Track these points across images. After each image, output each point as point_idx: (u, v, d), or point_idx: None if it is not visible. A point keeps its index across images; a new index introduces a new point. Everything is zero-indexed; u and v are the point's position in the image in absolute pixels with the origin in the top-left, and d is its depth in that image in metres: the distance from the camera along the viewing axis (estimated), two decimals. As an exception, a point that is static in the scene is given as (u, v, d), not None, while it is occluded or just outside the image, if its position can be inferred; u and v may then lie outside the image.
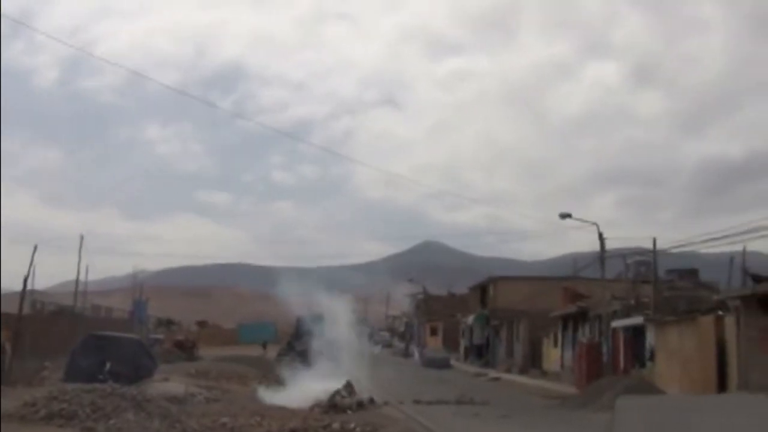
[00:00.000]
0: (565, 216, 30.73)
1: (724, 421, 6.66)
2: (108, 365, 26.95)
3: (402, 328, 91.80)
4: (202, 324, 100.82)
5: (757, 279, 22.62)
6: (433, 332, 74.50)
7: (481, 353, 55.43)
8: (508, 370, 46.02)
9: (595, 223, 30.70)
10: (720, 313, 24.30)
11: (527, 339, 45.93)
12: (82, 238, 52.53)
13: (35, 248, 39.70)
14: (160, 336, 59.69)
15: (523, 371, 44.27)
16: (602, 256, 30.27)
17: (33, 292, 78.90)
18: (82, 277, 57.56)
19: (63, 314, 62.58)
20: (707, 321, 24.44)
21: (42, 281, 77.57)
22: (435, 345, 67.93)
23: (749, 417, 6.89)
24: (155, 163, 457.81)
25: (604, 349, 30.79)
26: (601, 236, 30.13)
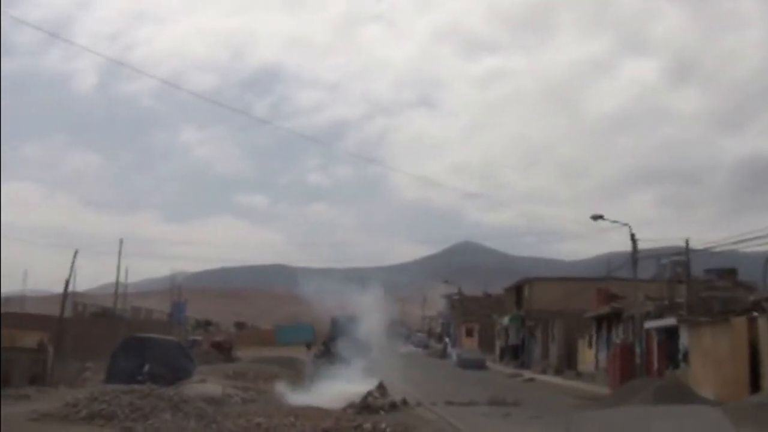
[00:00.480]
0: (597, 217, 30.71)
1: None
2: (147, 367, 27.63)
3: (438, 329, 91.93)
4: (240, 325, 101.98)
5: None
6: (469, 333, 74.51)
7: (516, 354, 55.39)
8: (544, 371, 45.96)
9: (627, 224, 30.65)
10: (755, 314, 24.20)
11: (562, 340, 45.86)
12: (121, 241, 53.46)
13: (76, 252, 40.58)
14: (198, 337, 60.60)
15: (558, 372, 44.20)
16: (634, 256, 30.21)
17: (74, 294, 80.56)
18: (121, 279, 58.61)
19: (104, 316, 64.00)
20: (740, 322, 24.32)
21: (83, 283, 79.00)
22: (471, 346, 68.00)
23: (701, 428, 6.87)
24: (192, 166, 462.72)
25: (638, 351, 30.73)
26: (633, 237, 30.06)
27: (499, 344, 63.60)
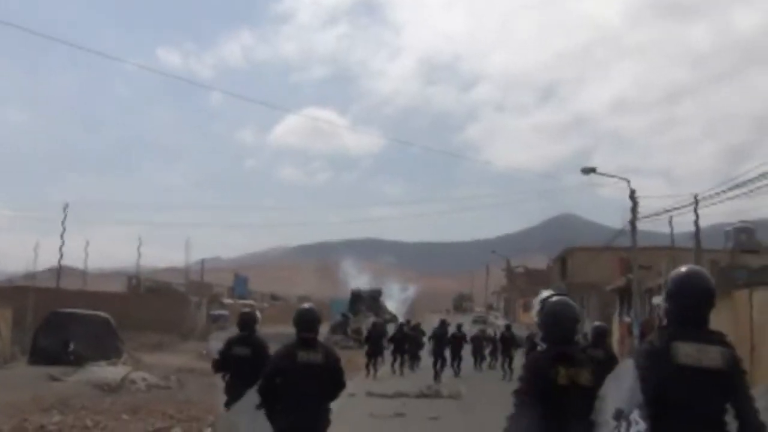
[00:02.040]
0: (589, 170, 25.85)
1: None
2: (72, 345, 24.97)
3: (502, 304, 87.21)
4: (303, 299, 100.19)
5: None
6: (526, 308, 69.67)
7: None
8: (579, 351, 41.16)
9: (626, 179, 25.66)
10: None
11: (597, 315, 40.85)
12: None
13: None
14: (225, 311, 58.11)
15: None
16: (634, 217, 25.22)
17: (168, 269, 80.00)
18: (218, 254, 57.20)
19: (157, 291, 62.96)
20: (742, 296, 19.40)
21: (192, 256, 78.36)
22: (526, 321, 63.31)
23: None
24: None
25: (635, 329, 25.89)
26: (632, 193, 25.04)
27: (546, 321, 58.48)
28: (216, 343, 9.58)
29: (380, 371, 26.94)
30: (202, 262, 73.00)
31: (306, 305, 7.62)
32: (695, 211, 23.69)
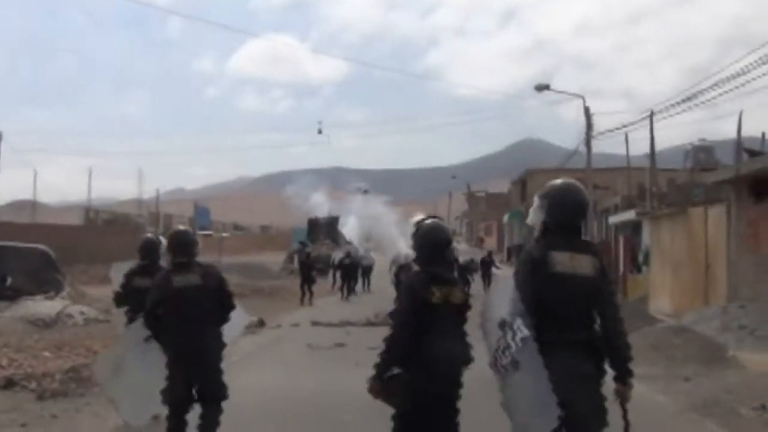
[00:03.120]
0: (542, 87, 24.90)
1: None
2: (9, 280, 23.77)
3: (464, 230, 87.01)
4: (265, 228, 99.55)
5: (754, 154, 16.83)
6: (488, 232, 69.55)
7: (519, 254, 50.05)
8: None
9: (581, 96, 24.73)
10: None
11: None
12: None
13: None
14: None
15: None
16: (588, 135, 24.38)
17: (141, 201, 78.75)
18: (181, 185, 55.81)
19: (115, 223, 61.46)
20: (697, 214, 18.81)
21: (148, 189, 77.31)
22: (487, 246, 63.19)
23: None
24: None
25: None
26: (587, 111, 24.18)
27: (506, 243, 58.44)
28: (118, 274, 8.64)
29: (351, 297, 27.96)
30: (157, 191, 71.41)
31: (180, 227, 7.28)
32: (650, 127, 22.94)
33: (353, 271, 29.18)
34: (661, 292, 20.79)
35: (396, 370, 4.67)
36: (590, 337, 4.24)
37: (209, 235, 64.21)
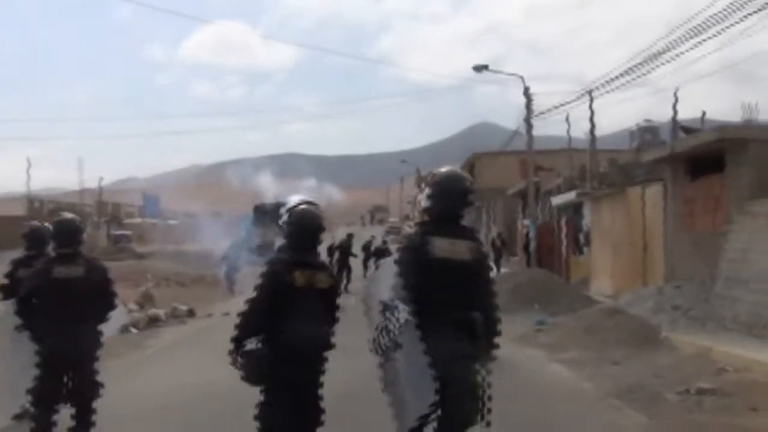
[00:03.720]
0: (480, 68, 24.47)
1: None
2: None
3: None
4: (217, 215, 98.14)
5: (690, 132, 16.60)
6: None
7: (469, 239, 49.70)
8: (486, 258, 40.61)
9: (519, 76, 24.34)
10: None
11: (503, 221, 40.34)
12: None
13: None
14: (127, 232, 55.84)
15: (498, 258, 38.79)
16: (528, 116, 24.02)
17: (83, 191, 76.72)
18: (136, 174, 54.51)
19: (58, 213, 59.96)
20: (635, 193, 18.59)
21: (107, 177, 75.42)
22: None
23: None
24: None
25: (531, 233, 25.11)
26: (527, 91, 23.80)
27: (456, 229, 57.97)
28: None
29: None
30: (100, 180, 69.62)
31: (66, 215, 6.59)
32: (590, 105, 22.66)
33: None
34: (601, 274, 20.59)
35: (252, 346, 4.64)
36: (468, 318, 4.43)
37: (154, 224, 63.10)
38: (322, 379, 4.74)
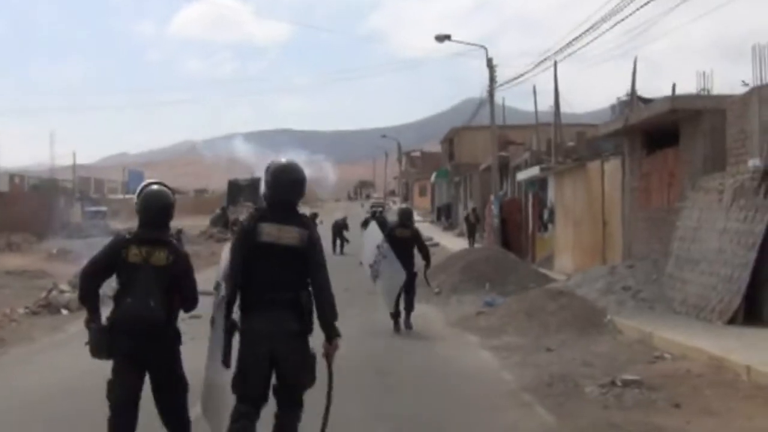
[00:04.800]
0: (443, 38, 23.51)
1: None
2: None
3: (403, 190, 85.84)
4: (200, 192, 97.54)
5: (647, 103, 15.82)
6: (422, 192, 68.54)
7: (448, 214, 49.12)
8: (462, 234, 39.82)
9: (483, 47, 23.38)
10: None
11: (479, 197, 39.45)
12: None
13: None
14: (102, 208, 54.80)
15: (472, 233, 37.98)
16: (491, 87, 23.13)
17: (79, 167, 75.45)
18: (125, 149, 53.52)
19: (39, 190, 58.89)
20: (595, 168, 17.83)
21: (92, 155, 74.98)
22: (423, 206, 62.42)
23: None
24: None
25: (495, 208, 24.31)
26: (489, 62, 22.87)
27: (436, 204, 57.41)
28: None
29: None
30: (74, 154, 68.51)
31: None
32: (554, 75, 21.79)
33: None
34: (564, 252, 19.89)
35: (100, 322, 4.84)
36: (295, 299, 4.69)
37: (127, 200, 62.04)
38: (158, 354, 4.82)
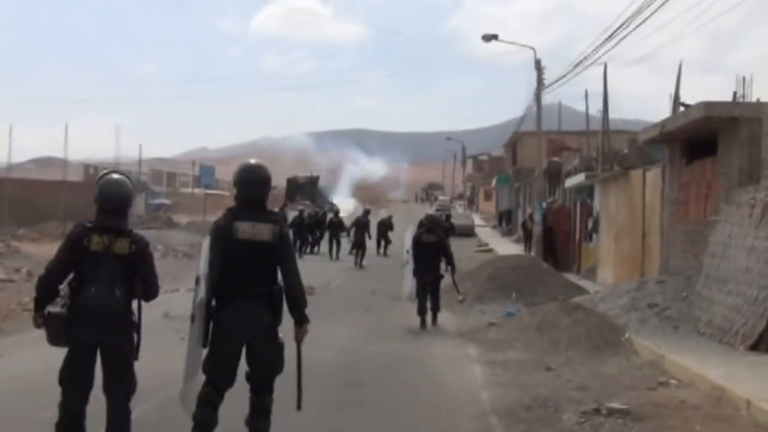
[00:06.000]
0: (490, 37, 22.72)
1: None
2: None
3: (469, 194, 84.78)
4: (273, 187, 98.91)
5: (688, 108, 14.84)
6: (488, 197, 67.46)
7: (509, 219, 48.06)
8: (520, 240, 38.89)
9: (531, 48, 22.52)
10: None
11: (536, 203, 38.38)
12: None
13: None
14: (167, 201, 55.72)
15: (528, 240, 36.97)
16: (539, 90, 22.24)
17: (154, 160, 77.32)
18: (204, 144, 55.14)
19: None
20: (637, 177, 16.90)
21: (170, 150, 77.74)
22: (487, 211, 61.49)
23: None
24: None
25: (538, 215, 23.40)
26: (538, 63, 22.00)
27: (498, 209, 56.32)
28: None
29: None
30: (140, 147, 69.61)
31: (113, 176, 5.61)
32: (604, 79, 20.80)
33: (304, 230, 28.40)
34: (606, 263, 19.00)
35: (55, 309, 4.86)
36: (269, 291, 5.03)
37: (207, 194, 63.12)
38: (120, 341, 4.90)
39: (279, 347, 5.05)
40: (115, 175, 5.16)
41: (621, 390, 8.24)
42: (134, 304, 5.06)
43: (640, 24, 15.55)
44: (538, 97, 22.35)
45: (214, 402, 5.00)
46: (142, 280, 4.99)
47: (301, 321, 5.09)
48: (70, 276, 4.94)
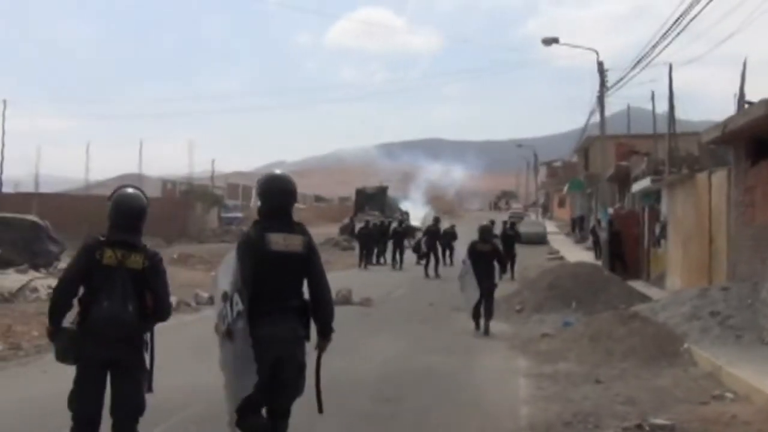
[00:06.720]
0: (550, 41, 22.19)
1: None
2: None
3: (542, 200, 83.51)
4: (344, 199, 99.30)
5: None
6: (562, 203, 66.28)
7: (582, 226, 47.01)
8: (592, 247, 37.98)
9: (594, 50, 21.91)
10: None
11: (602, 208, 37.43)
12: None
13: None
14: (239, 214, 56.63)
15: (598, 246, 36.03)
16: (602, 92, 21.62)
17: (233, 174, 79.04)
18: (284, 157, 57.22)
19: (189, 194, 62.08)
20: (703, 180, 16.24)
21: (251, 162, 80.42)
22: (560, 217, 60.38)
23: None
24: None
25: (603, 220, 22.69)
26: (600, 66, 21.40)
27: (571, 215, 55.18)
28: None
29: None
30: (213, 162, 71.28)
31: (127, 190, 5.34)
32: (669, 81, 20.11)
33: (370, 241, 28.39)
34: (674, 269, 18.33)
35: (68, 324, 4.78)
36: (301, 304, 4.98)
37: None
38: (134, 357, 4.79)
39: (304, 366, 4.95)
40: (129, 190, 5.08)
41: (671, 404, 7.87)
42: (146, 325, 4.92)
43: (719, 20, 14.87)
44: (600, 100, 21.78)
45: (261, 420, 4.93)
46: (154, 295, 4.86)
47: (326, 332, 5.01)
48: (81, 291, 4.82)
